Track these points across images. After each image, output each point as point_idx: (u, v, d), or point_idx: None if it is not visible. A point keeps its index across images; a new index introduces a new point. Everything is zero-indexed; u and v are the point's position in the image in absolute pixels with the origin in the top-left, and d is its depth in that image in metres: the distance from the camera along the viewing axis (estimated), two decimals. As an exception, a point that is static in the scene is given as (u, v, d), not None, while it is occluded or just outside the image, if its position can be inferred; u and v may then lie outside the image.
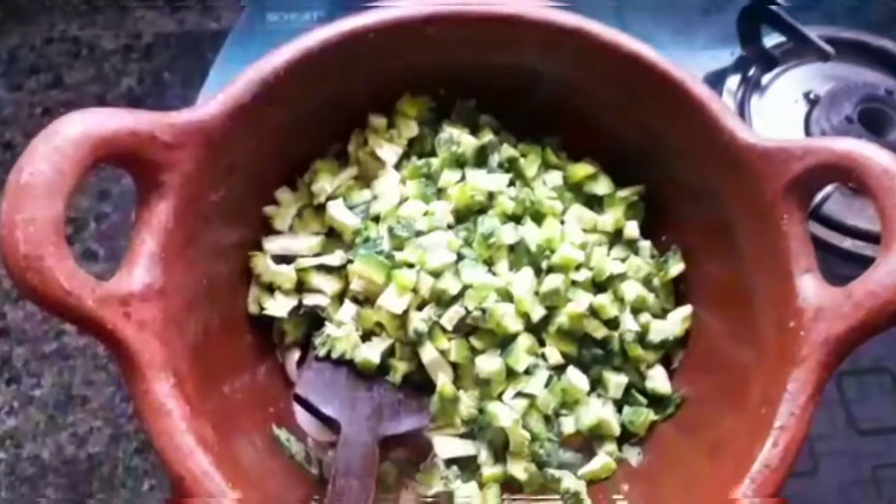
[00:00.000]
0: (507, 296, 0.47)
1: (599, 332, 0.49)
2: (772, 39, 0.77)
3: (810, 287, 0.42)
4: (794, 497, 0.57)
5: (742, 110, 0.74)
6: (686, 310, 0.51)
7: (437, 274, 0.46)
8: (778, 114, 0.75)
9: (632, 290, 0.50)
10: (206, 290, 0.44)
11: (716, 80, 0.77)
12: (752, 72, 0.77)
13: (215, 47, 0.79)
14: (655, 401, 0.49)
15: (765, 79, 0.77)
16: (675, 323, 0.50)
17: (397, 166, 0.51)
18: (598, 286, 0.50)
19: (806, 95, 0.76)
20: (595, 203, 0.54)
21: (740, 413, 0.43)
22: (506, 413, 0.45)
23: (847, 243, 0.66)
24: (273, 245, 0.49)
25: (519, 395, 0.47)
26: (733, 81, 0.77)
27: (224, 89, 0.43)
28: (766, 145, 0.44)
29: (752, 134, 0.45)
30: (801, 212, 0.44)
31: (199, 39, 0.94)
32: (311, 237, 0.50)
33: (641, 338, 0.50)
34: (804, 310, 0.41)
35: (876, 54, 0.79)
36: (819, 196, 0.66)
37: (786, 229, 0.43)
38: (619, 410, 0.49)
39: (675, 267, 0.51)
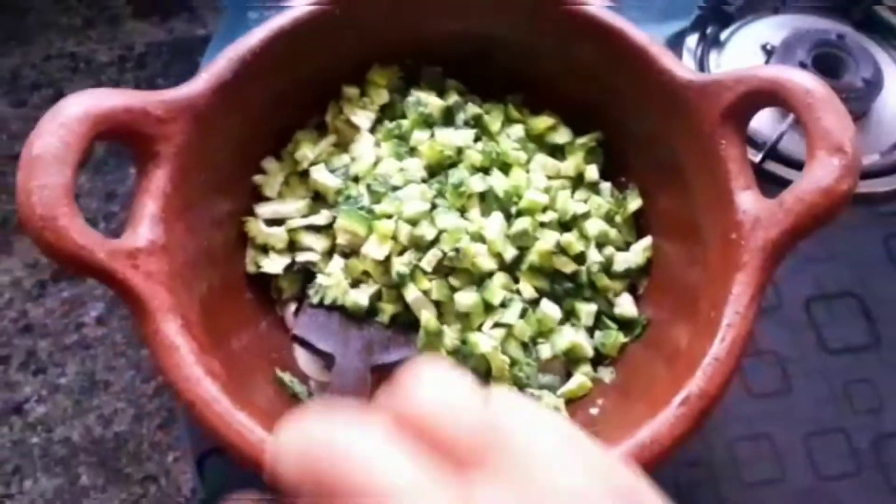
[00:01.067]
0: (480, 239, 0.52)
1: (568, 267, 0.53)
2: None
3: (748, 201, 0.46)
4: (770, 414, 0.62)
5: (702, 67, 0.78)
6: (646, 241, 0.55)
7: (413, 222, 0.51)
8: (737, 67, 0.79)
9: (595, 226, 0.54)
10: (207, 252, 0.49)
11: (675, 41, 0.81)
12: (709, 29, 0.81)
13: (204, 51, 0.84)
14: (624, 325, 0.54)
15: (723, 35, 0.81)
16: (637, 253, 0.55)
17: (372, 130, 0.56)
18: (564, 226, 0.55)
19: (763, 47, 0.80)
20: (557, 152, 0.58)
21: (693, 324, 0.47)
22: (485, 341, 0.50)
23: (806, 179, 0.70)
24: (264, 210, 0.54)
25: (497, 325, 0.51)
26: (692, 40, 0.81)
27: (207, 68, 0.48)
28: (701, 79, 0.49)
29: (688, 72, 0.50)
30: (738, 135, 0.48)
31: (188, 45, 0.99)
32: (299, 201, 0.54)
33: (607, 269, 0.54)
34: (743, 222, 0.45)
35: (826, 1, 0.83)
36: (774, 135, 0.70)
37: (724, 153, 0.48)
38: (592, 336, 0.54)
39: (634, 203, 0.56)
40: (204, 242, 0.48)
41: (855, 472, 0.59)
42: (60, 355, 0.77)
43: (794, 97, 0.45)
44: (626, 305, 0.54)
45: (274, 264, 0.53)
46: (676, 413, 0.42)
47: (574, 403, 0.51)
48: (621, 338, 0.53)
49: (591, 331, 0.54)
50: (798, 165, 0.70)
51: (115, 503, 0.72)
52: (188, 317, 0.42)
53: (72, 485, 0.70)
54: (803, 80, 0.45)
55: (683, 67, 0.50)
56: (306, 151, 0.54)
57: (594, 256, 0.54)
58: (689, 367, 0.43)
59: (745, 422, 0.61)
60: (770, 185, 0.47)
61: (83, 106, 0.41)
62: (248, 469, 0.40)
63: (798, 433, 0.61)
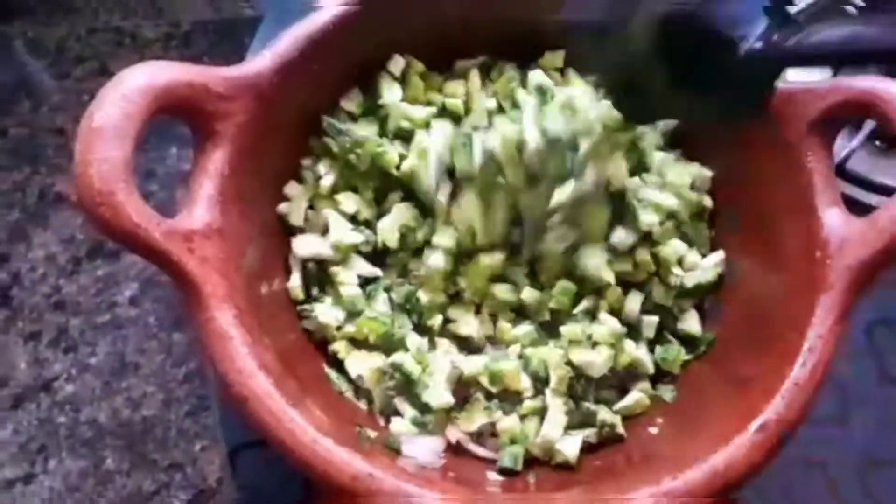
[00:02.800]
0: None
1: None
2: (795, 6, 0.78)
3: (835, 219, 0.43)
4: (825, 442, 0.59)
5: (767, 75, 0.75)
6: (717, 256, 0.52)
7: None
8: (803, 79, 0.76)
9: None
10: (258, 242, 0.46)
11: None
12: (774, 38, 0.78)
13: (251, 32, 0.82)
14: (687, 341, 0.51)
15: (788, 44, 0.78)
16: (707, 270, 0.51)
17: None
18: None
19: (831, 60, 0.77)
20: None
21: (768, 346, 0.44)
22: (555, 355, 0.47)
23: (874, 199, 0.67)
24: (303, 250, 0.50)
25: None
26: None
27: (271, 46, 0.45)
28: (790, 88, 0.46)
29: (775, 77, 0.47)
30: (825, 149, 0.46)
31: (235, 26, 0.97)
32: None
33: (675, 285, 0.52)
34: (830, 240, 0.43)
35: (902, 17, 0.80)
36: (843, 153, 0.67)
37: (810, 166, 0.45)
38: (652, 351, 0.51)
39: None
40: (256, 230, 0.46)
41: (914, 508, 0.57)
42: (92, 334, 0.75)
43: (892, 110, 0.43)
44: (690, 321, 0.51)
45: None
46: (753, 440, 0.39)
47: (631, 421, 0.49)
48: (683, 354, 0.50)
49: (650, 345, 0.51)
50: (867, 186, 0.67)
51: (139, 489, 0.70)
52: (241, 306, 0.40)
53: (96, 468, 0.68)
54: (903, 94, 0.43)
55: (770, 73, 0.47)
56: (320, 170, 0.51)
57: (677, 247, 0.51)
58: (766, 392, 0.41)
59: (798, 448, 0.58)
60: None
61: (145, 78, 0.39)
62: (296, 469, 0.38)
63: (854, 463, 0.58)
